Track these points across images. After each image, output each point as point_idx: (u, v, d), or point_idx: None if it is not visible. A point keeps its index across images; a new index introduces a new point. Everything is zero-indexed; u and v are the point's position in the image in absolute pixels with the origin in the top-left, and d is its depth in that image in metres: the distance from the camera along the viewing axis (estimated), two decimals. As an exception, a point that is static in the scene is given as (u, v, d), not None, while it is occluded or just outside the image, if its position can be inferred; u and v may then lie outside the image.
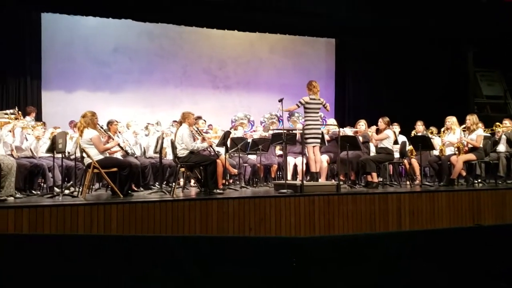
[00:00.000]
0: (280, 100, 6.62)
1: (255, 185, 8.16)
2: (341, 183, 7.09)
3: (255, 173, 8.48)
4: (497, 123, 8.53)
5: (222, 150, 7.45)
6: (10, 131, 6.11)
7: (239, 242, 3.62)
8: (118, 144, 6.69)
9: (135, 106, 10.94)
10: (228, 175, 7.76)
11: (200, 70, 11.89)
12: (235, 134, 8.27)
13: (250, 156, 8.45)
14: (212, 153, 7.17)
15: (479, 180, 8.00)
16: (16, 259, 2.96)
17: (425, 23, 11.08)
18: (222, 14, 10.46)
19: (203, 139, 6.87)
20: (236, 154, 7.88)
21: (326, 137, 8.03)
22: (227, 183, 7.60)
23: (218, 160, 6.70)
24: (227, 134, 7.34)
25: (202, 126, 7.87)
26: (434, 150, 8.10)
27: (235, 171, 7.83)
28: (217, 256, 3.22)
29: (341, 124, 9.05)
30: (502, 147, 8.44)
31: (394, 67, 12.05)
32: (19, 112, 6.33)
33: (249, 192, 6.98)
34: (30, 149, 6.61)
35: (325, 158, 7.70)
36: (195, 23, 10.91)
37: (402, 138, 8.29)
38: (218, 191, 6.36)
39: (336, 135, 7.50)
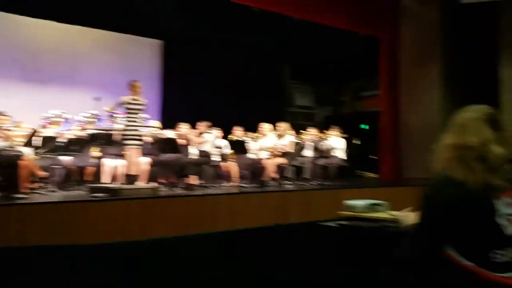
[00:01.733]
0: (97, 99, 6.26)
1: (67, 189, 7.54)
2: (161, 186, 7.03)
3: (69, 175, 7.84)
4: (302, 131, 9.47)
5: (29, 150, 6.70)
6: None
7: (44, 251, 3.29)
8: None
9: None
10: (36, 178, 7.01)
11: (7, 60, 10.57)
12: (45, 133, 7.54)
13: (63, 157, 7.78)
14: (14, 153, 6.40)
15: (289, 182, 8.75)
16: None
17: (247, 37, 11.74)
18: (35, 2, 9.49)
19: (6, 138, 6.11)
20: (47, 155, 7.17)
21: (147, 139, 7.88)
22: (36, 186, 6.86)
23: (22, 162, 6.01)
24: (34, 132, 6.64)
25: (5, 122, 6.98)
26: (250, 154, 8.58)
27: (44, 173, 7.12)
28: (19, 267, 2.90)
29: (164, 127, 8.99)
30: (309, 152, 9.39)
31: (217, 74, 12.44)
32: None
33: (59, 196, 6.41)
34: None
35: (145, 160, 7.55)
36: (2, 8, 9.67)
37: (221, 142, 8.60)
38: (20, 195, 5.70)
39: (157, 137, 7.42)
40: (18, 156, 6.15)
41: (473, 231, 1.52)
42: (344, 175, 10.43)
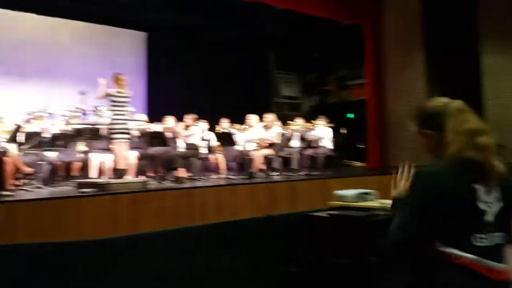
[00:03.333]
0: (82, 93, 6.19)
1: (54, 185, 7.46)
2: (150, 179, 7.01)
3: (54, 171, 7.75)
4: (289, 122, 9.48)
5: (13, 146, 6.61)
6: None
7: (34, 250, 3.25)
8: None
9: None
10: (21, 174, 6.93)
11: (-15, 55, 10.33)
12: (29, 128, 7.43)
13: (48, 153, 7.68)
14: (-2, 150, 6.32)
15: (276, 173, 8.77)
16: None
17: (232, 25, 11.68)
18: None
19: (-12, 135, 6.01)
20: (31, 151, 7.07)
21: (135, 133, 7.83)
22: (21, 183, 6.77)
23: (6, 158, 5.92)
24: (18, 128, 6.55)
25: (-13, 119, 6.87)
26: (237, 146, 8.58)
27: (29, 169, 7.04)
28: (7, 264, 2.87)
29: (151, 120, 8.95)
30: (296, 143, 9.41)
31: (203, 66, 12.36)
32: None
33: (45, 192, 6.34)
34: None
35: (133, 154, 7.51)
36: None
37: (208, 135, 8.58)
38: (6, 193, 5.62)
39: (145, 131, 7.38)
40: (2, 153, 6.06)
41: (458, 214, 1.59)
42: (331, 165, 10.50)
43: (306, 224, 3.88)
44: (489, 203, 1.62)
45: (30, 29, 10.90)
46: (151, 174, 7.61)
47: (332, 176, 8.63)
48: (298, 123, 9.53)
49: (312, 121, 9.68)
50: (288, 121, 9.51)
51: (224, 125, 8.99)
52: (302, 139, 9.44)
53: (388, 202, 2.47)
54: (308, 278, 3.61)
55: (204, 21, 11.44)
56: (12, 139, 6.45)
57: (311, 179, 8.14)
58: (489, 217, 1.61)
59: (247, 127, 8.44)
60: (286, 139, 9.22)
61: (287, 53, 14.26)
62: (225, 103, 11.65)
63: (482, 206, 1.61)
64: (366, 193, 4.13)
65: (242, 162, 8.27)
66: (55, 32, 11.25)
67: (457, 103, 1.74)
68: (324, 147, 9.19)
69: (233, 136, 8.20)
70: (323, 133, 9.26)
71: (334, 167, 10.22)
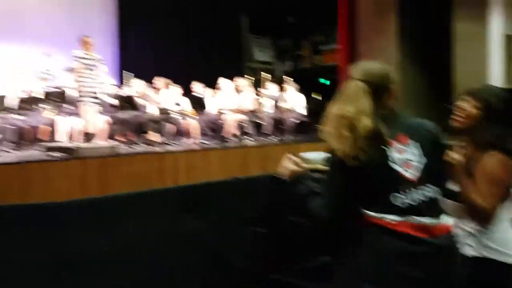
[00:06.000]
0: (48, 55, 6.03)
1: (21, 149, 7.32)
2: (120, 144, 6.97)
3: (22, 135, 7.58)
4: (261, 86, 9.46)
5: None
6: None
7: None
8: None
9: None
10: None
11: None
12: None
13: (15, 116, 7.50)
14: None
15: (249, 138, 8.81)
16: None
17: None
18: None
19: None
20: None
21: (106, 98, 7.72)
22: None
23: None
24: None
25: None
26: (209, 110, 8.54)
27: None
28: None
29: (121, 84, 8.78)
30: (268, 108, 9.44)
31: (175, 28, 12.06)
32: None
33: (13, 157, 6.24)
34: None
35: (103, 118, 7.42)
36: None
37: (181, 99, 8.50)
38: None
39: (115, 95, 7.29)
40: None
41: (373, 178, 1.65)
42: (304, 130, 10.59)
43: (271, 185, 3.95)
44: (407, 160, 1.66)
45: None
46: (121, 139, 7.55)
47: (304, 141, 8.73)
48: (271, 88, 9.53)
49: (284, 86, 9.68)
50: (260, 86, 9.49)
51: (196, 89, 8.91)
52: (275, 104, 9.47)
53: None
54: (272, 238, 3.71)
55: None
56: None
57: (283, 144, 8.23)
58: (408, 175, 1.65)
59: (219, 91, 8.40)
60: (259, 104, 9.23)
61: (260, 16, 14.03)
62: (197, 66, 11.47)
63: (395, 166, 1.64)
64: (332, 157, 4.21)
65: (215, 127, 8.27)
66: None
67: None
68: (296, 112, 9.25)
69: (205, 101, 8.16)
70: (295, 99, 9.29)
71: (306, 132, 10.31)
